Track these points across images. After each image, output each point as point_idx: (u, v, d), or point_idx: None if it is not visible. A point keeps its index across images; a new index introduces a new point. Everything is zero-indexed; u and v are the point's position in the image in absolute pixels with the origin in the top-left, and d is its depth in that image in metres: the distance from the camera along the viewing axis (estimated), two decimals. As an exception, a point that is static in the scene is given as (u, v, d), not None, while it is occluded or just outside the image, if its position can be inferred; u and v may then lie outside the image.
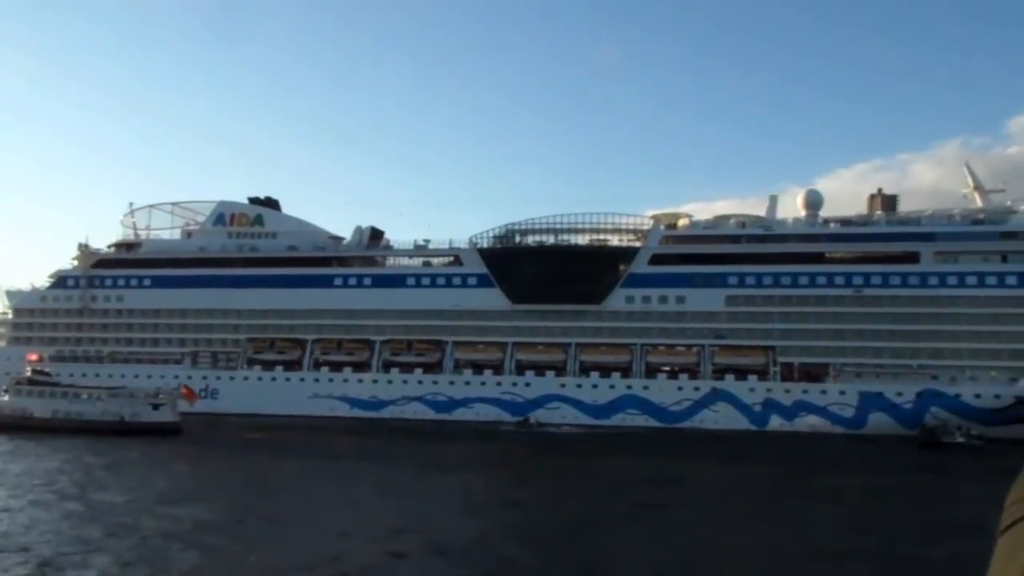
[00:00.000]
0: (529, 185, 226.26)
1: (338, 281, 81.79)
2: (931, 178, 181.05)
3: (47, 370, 72.61)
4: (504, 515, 33.08)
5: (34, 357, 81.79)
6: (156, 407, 61.63)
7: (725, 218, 79.43)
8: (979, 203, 74.22)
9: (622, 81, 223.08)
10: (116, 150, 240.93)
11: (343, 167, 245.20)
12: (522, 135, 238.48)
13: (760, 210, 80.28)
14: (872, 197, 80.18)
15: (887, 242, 72.44)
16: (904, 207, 78.26)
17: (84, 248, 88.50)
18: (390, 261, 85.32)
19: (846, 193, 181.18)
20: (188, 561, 23.21)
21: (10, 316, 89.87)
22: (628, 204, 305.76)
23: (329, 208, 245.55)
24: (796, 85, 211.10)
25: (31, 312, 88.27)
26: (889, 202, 78.55)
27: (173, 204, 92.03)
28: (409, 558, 24.22)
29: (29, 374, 68.52)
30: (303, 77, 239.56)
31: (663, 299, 75.23)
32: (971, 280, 69.98)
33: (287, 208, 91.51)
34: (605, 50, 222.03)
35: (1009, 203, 74.13)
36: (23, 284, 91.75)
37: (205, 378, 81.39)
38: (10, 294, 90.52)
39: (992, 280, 69.61)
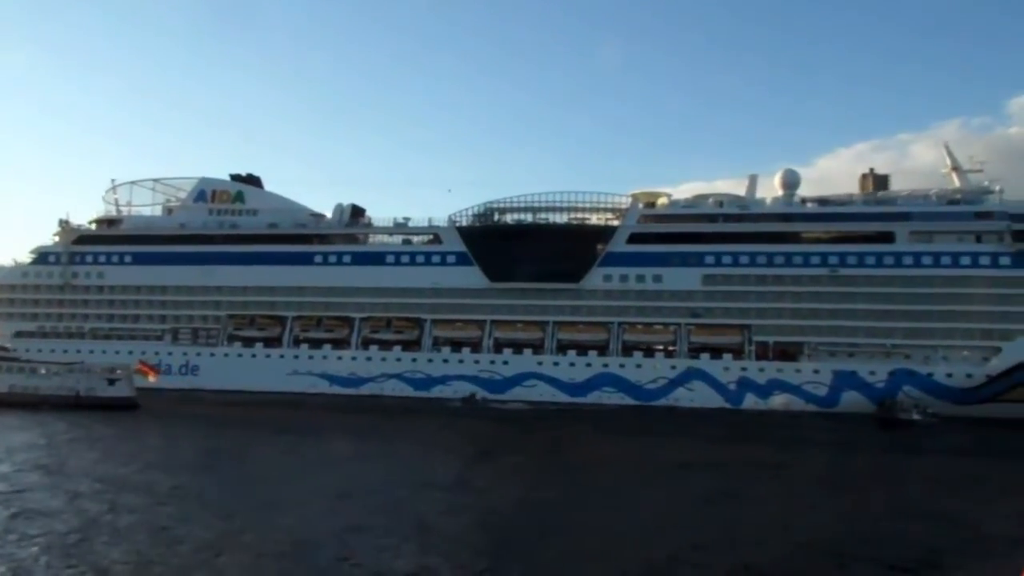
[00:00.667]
0: (518, 165, 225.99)
1: (318, 258, 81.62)
2: (930, 158, 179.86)
3: (6, 345, 73.06)
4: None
5: None
6: (112, 382, 62.03)
7: (704, 197, 79.07)
8: (957, 183, 74.05)
9: (620, 65, 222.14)
10: (99, 127, 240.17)
11: (327, 145, 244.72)
12: (514, 116, 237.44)
13: (759, 190, 79.32)
14: (864, 176, 79.58)
15: (862, 222, 72.34)
16: (902, 187, 77.27)
17: (65, 224, 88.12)
18: (373, 239, 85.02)
19: (844, 173, 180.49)
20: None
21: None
22: (624, 186, 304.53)
23: (312, 186, 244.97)
24: (795, 67, 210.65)
25: (12, 288, 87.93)
26: (880, 181, 77.83)
27: (155, 180, 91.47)
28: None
29: None
30: (293, 56, 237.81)
31: (640, 278, 75.17)
32: (945, 260, 69.97)
33: (269, 185, 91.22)
34: (604, 39, 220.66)
35: (987, 183, 73.93)
36: (5, 260, 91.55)
37: (185, 354, 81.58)
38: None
39: (966, 260, 69.61)
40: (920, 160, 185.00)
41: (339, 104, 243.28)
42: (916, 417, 60.87)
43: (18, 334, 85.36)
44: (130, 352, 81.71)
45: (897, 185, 78.34)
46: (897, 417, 61.09)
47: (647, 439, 54.40)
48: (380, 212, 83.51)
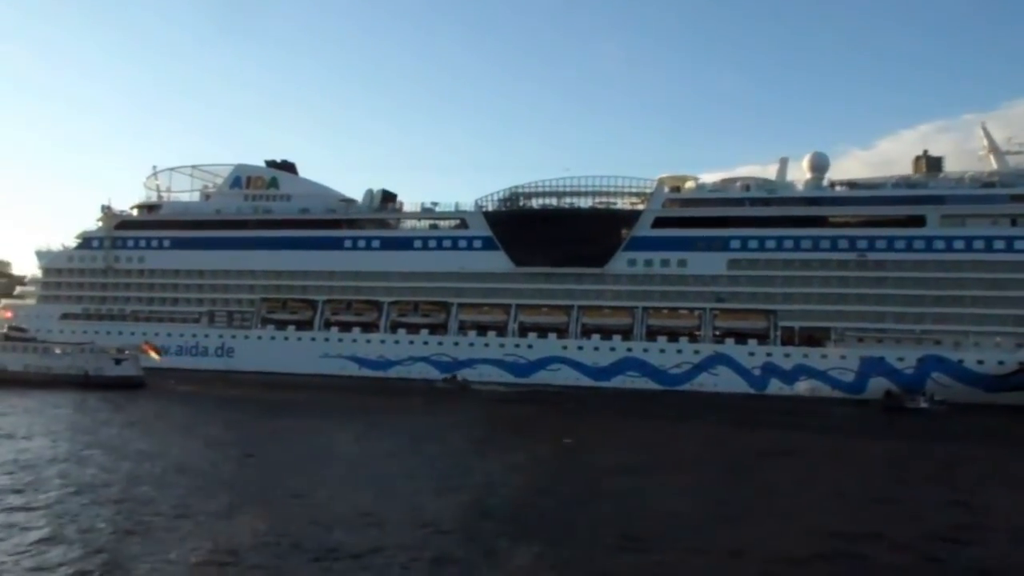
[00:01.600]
0: (546, 151, 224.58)
1: (347, 243, 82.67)
2: (998, 139, 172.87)
3: (23, 327, 76.47)
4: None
5: (8, 315, 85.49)
6: (119, 362, 64.85)
7: (732, 181, 77.91)
8: (994, 165, 71.66)
9: (673, 46, 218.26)
10: (143, 117, 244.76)
11: (363, 133, 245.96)
12: (540, 101, 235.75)
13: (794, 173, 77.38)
14: (917, 159, 76.57)
15: (893, 205, 70.57)
16: (966, 169, 74.22)
17: (107, 210, 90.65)
18: (405, 224, 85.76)
19: (906, 155, 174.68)
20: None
21: (40, 275, 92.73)
22: (682, 167, 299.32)
23: (347, 171, 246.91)
24: (856, 47, 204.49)
25: (59, 272, 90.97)
26: (933, 163, 74.75)
27: (193, 167, 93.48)
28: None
29: (6, 331, 72.78)
30: (326, 48, 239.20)
31: (665, 262, 74.62)
32: (978, 244, 68.01)
33: (305, 171, 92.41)
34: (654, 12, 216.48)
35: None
36: (55, 246, 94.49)
37: (221, 336, 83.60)
38: (40, 254, 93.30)
39: (1000, 244, 67.55)
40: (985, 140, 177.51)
41: (373, 95, 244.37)
42: (924, 405, 59.99)
43: (64, 316, 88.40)
44: (168, 334, 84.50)
45: (958, 167, 75.11)
46: (904, 405, 60.28)
47: (655, 422, 54.50)
48: (413, 197, 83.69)
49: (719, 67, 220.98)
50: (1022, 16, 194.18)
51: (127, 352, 66.57)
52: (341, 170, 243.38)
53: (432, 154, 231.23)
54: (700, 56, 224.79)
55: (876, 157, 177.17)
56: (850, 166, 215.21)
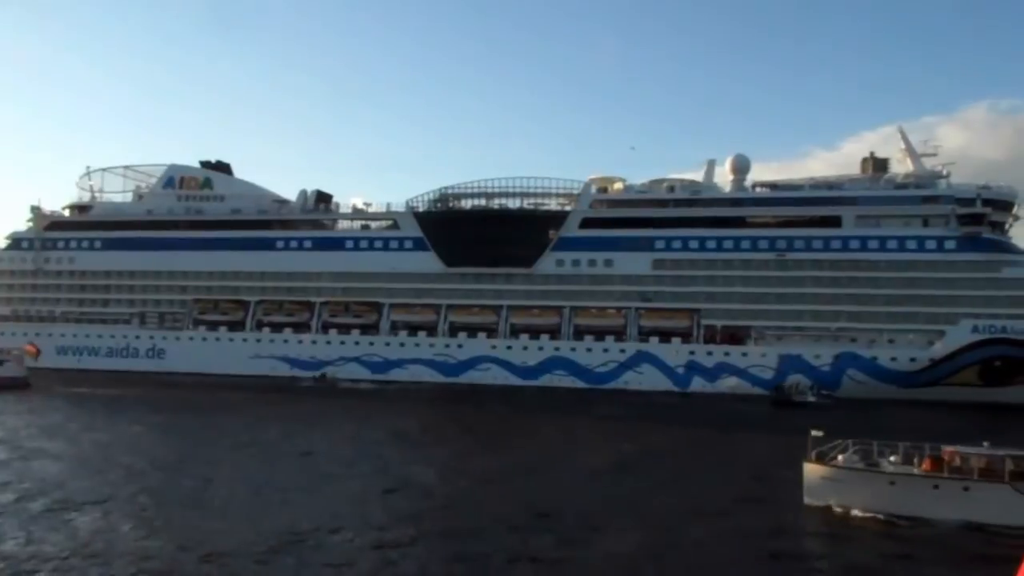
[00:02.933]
0: (512, 154, 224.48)
1: (280, 244, 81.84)
2: (958, 141, 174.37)
3: None
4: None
5: None
6: (1, 363, 63.81)
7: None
8: (911, 167, 72.86)
9: (626, 47, 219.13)
10: (74, 116, 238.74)
11: (303, 131, 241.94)
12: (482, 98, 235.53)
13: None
14: (864, 160, 76.28)
15: (810, 206, 71.54)
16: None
17: (36, 210, 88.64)
18: (341, 224, 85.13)
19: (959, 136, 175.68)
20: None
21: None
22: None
23: (289, 172, 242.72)
24: (818, 47, 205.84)
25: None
26: (879, 164, 74.69)
27: (126, 167, 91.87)
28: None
29: None
30: (277, 46, 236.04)
31: (592, 262, 74.90)
32: (892, 244, 69.25)
33: (242, 172, 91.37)
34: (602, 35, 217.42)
35: (940, 168, 72.75)
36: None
37: (152, 338, 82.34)
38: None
39: (912, 244, 68.83)
40: (948, 143, 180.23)
41: (322, 92, 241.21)
42: (811, 399, 61.38)
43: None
44: (99, 336, 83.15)
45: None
46: (791, 399, 61.60)
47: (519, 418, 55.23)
48: (358, 198, 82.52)
49: (687, 65, 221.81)
50: (981, 21, 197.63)
51: (13, 352, 65.41)
52: (284, 171, 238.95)
53: (376, 155, 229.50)
54: (669, 54, 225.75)
55: (840, 158, 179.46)
56: (815, 166, 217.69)
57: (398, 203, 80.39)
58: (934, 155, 73.20)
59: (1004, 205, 69.08)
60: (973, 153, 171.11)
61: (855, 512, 24.38)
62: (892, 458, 25.32)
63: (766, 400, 65.15)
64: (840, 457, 25.64)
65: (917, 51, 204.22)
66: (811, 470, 25.31)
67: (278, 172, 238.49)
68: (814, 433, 25.52)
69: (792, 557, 21.49)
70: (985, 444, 24.82)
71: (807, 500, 25.26)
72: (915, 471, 24.68)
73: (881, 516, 24.00)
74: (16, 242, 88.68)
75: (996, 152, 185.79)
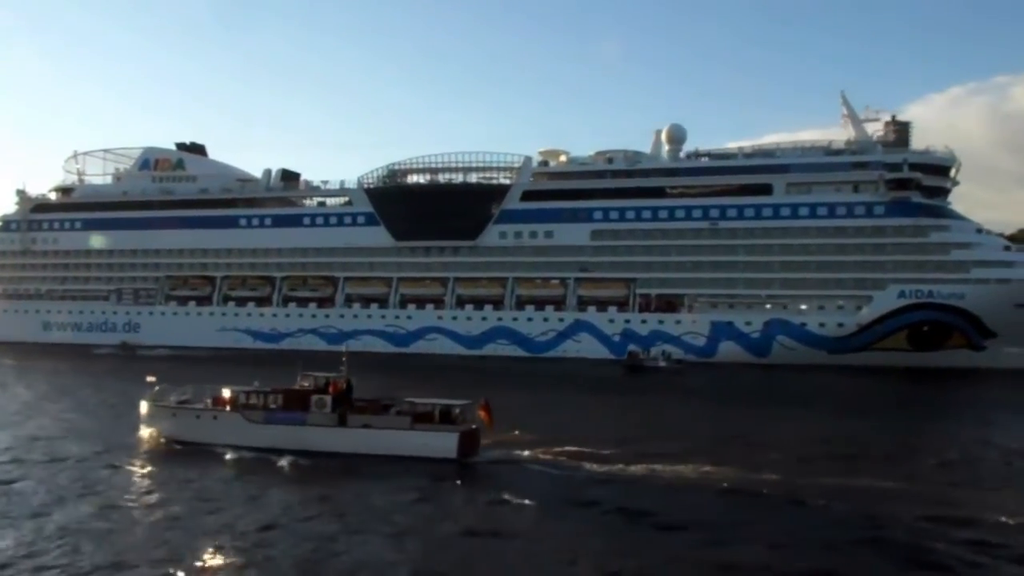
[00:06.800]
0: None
1: (243, 221, 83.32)
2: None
3: None
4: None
5: None
6: None
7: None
8: (852, 133, 70.74)
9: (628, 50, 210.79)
10: (63, 100, 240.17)
11: (275, 112, 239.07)
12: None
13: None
14: (886, 124, 72.17)
15: (742, 175, 70.20)
16: (1000, 132, 72.35)
17: (22, 194, 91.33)
18: (308, 202, 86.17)
19: (940, 120, 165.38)
20: None
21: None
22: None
23: (264, 151, 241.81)
24: (881, 9, 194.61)
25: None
26: (901, 128, 71.37)
27: (106, 151, 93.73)
28: None
29: None
30: (256, 29, 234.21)
31: (533, 234, 74.89)
32: (822, 211, 67.88)
33: (217, 153, 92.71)
34: None
35: (881, 133, 70.50)
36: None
37: (128, 313, 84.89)
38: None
39: (842, 210, 67.36)
40: (1021, 102, 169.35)
41: (295, 73, 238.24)
42: (662, 364, 61.78)
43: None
44: (80, 311, 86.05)
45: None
46: (643, 364, 61.96)
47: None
48: (324, 175, 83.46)
49: (737, 35, 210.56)
50: None
51: None
52: (259, 150, 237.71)
53: (347, 133, 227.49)
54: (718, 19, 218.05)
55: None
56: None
57: (351, 180, 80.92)
58: (877, 120, 70.97)
59: (936, 169, 66.88)
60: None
61: (164, 437, 29.47)
62: (209, 400, 30.10)
63: (696, 366, 65.18)
64: (172, 398, 30.79)
65: (981, 7, 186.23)
66: (143, 407, 30.49)
67: (254, 152, 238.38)
68: (148, 379, 31.01)
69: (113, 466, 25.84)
70: (256, 383, 30.08)
71: (142, 429, 30.22)
72: (198, 407, 29.95)
73: (177, 439, 29.08)
74: (5, 224, 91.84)
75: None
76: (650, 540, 18.64)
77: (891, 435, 34.83)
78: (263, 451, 27.05)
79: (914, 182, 65.00)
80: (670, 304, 71.17)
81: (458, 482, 24.59)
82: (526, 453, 27.36)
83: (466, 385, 40.77)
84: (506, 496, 22.13)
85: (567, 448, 27.57)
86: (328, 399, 28.34)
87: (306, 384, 29.37)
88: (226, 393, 29.74)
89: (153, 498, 22.08)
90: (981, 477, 25.76)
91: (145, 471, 25.61)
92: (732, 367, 63.69)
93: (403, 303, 77.41)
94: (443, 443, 26.66)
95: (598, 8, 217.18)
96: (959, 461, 28.35)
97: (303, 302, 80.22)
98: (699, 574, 16.53)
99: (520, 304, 74.54)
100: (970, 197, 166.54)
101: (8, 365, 64.43)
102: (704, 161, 73.21)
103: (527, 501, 21.68)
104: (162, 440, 29.42)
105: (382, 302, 77.95)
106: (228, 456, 27.24)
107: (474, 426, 27.82)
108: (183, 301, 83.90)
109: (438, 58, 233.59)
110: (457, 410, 27.88)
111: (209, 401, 29.99)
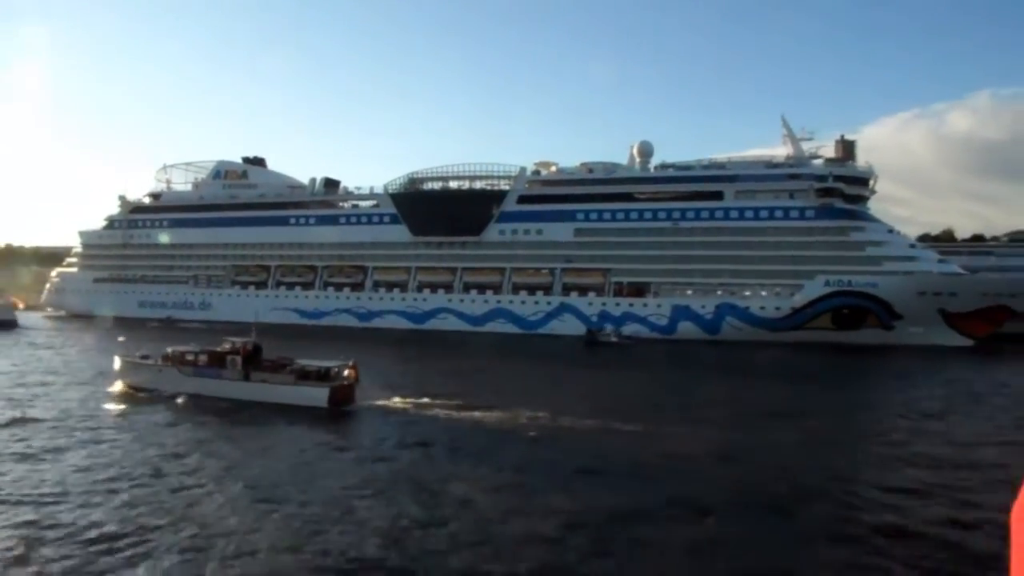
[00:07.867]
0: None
1: (292, 220, 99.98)
2: (965, 126, 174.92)
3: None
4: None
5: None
6: None
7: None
8: (791, 150, 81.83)
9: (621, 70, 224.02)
10: (154, 123, 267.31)
11: (324, 130, 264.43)
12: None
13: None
14: (836, 142, 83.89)
15: (699, 183, 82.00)
16: (938, 155, 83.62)
17: (123, 199, 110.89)
18: (345, 205, 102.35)
19: (891, 140, 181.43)
20: None
21: (80, 250, 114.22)
22: (682, 151, 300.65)
23: (313, 161, 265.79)
24: (840, 33, 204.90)
25: (92, 247, 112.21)
26: (848, 147, 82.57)
27: (187, 164, 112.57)
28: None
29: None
30: (321, 57, 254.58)
31: (527, 231, 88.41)
32: (763, 214, 79.00)
33: (276, 164, 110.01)
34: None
35: (815, 150, 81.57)
36: (93, 225, 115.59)
37: (203, 295, 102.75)
38: (81, 233, 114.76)
39: (779, 213, 78.40)
40: (956, 128, 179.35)
41: (336, 100, 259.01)
42: (614, 339, 73.40)
43: (96, 280, 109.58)
44: (167, 293, 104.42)
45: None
46: (598, 340, 73.76)
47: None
48: (360, 182, 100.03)
49: (696, 53, 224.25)
50: (988, 11, 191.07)
51: (1, 303, 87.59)
52: (311, 161, 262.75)
53: (376, 146, 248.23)
54: (684, 39, 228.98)
55: (864, 142, 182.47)
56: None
57: (379, 186, 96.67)
58: (810, 139, 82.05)
59: (857, 181, 77.55)
60: (980, 135, 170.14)
61: (127, 385, 38.01)
62: (160, 358, 38.51)
63: (658, 342, 77.54)
64: (138, 354, 39.41)
65: (927, 41, 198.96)
66: (117, 362, 38.96)
67: (307, 163, 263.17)
68: (120, 339, 42.62)
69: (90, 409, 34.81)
70: (193, 344, 38.78)
71: (119, 381, 38.89)
72: (150, 363, 38.32)
73: (142, 388, 37.56)
74: (111, 223, 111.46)
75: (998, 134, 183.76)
76: (434, 464, 25.20)
77: (801, 398, 41.76)
78: (193, 396, 35.25)
79: (838, 191, 75.96)
80: (639, 290, 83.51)
81: (320, 422, 31.64)
82: (397, 403, 33.63)
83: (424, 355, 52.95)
84: (346, 432, 30.02)
85: (439, 401, 34.04)
86: (239, 359, 34.83)
87: (226, 347, 35.95)
88: (169, 351, 37.46)
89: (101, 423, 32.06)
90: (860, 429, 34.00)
91: (107, 407, 35.00)
92: (688, 343, 75.81)
93: (420, 288, 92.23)
94: (317, 395, 32.84)
95: (587, 39, 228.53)
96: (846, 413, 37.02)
97: (339, 287, 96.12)
98: (469, 486, 22.82)
99: (515, 289, 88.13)
100: (914, 204, 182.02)
101: (93, 331, 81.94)
102: (669, 171, 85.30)
103: (362, 437, 29.03)
104: (127, 387, 38.36)
105: (402, 287, 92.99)
106: (178, 400, 35.27)
107: (347, 383, 33.98)
108: (245, 285, 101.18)
109: (453, 85, 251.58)
110: (334, 370, 34.13)
111: (160, 359, 37.73)
